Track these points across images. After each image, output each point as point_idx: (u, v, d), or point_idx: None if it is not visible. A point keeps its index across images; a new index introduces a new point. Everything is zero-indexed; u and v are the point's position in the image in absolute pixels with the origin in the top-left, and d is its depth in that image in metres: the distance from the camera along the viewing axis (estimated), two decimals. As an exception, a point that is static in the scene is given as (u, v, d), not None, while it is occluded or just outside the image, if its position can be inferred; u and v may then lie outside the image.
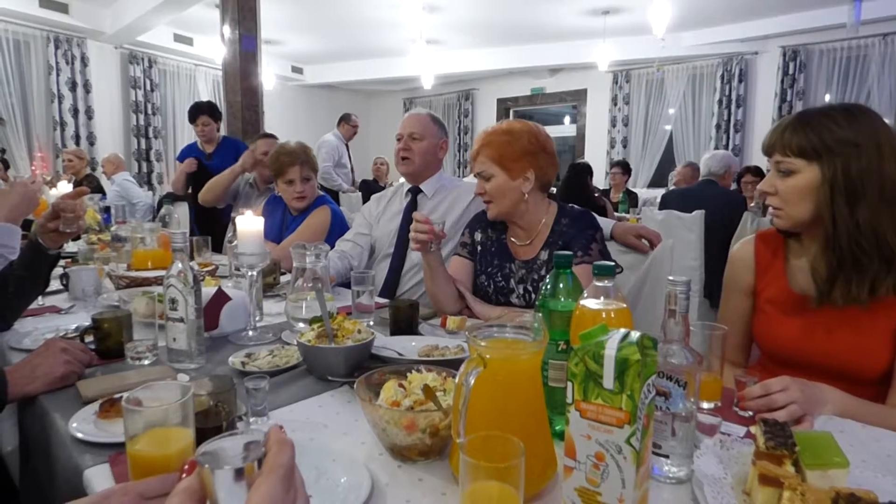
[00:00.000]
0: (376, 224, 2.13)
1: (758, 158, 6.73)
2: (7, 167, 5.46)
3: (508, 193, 1.55)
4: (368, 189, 5.95)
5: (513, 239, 1.65)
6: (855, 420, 0.94)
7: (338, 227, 2.41)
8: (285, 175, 2.40)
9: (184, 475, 0.45)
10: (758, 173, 4.88)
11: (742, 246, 1.31)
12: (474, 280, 1.70)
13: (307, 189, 2.42)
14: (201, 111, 3.83)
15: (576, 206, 1.64)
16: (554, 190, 2.85)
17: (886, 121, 1.11)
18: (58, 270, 1.62)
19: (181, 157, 4.03)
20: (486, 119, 9.15)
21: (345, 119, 6.07)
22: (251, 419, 0.90)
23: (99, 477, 0.76)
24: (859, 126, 1.07)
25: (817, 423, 0.92)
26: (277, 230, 2.52)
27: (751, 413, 0.95)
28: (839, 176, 1.06)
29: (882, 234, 1.05)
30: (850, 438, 0.87)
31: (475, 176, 1.61)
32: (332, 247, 2.09)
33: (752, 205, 4.26)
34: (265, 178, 3.02)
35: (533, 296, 1.56)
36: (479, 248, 1.70)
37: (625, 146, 7.88)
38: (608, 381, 0.61)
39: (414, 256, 1.95)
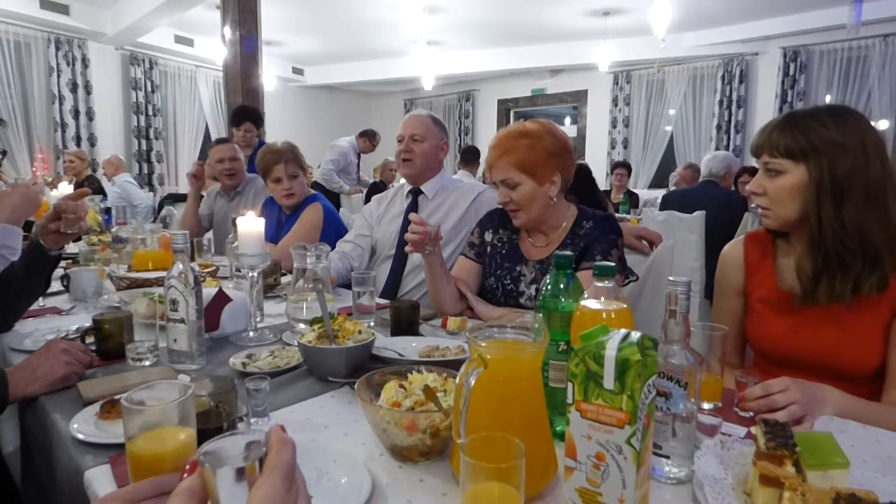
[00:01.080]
0: (377, 225, 2.13)
1: (758, 159, 6.72)
2: None
3: (537, 200, 1.50)
4: (377, 191, 5.95)
5: (529, 240, 1.61)
6: (855, 420, 0.94)
7: (331, 224, 2.42)
8: (272, 173, 2.42)
9: (185, 475, 0.45)
10: (755, 173, 4.86)
11: (732, 247, 1.33)
12: (483, 282, 1.67)
13: (295, 186, 2.43)
14: (247, 117, 3.81)
15: (598, 210, 1.59)
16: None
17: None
18: (59, 272, 1.62)
19: None
20: (486, 120, 9.16)
21: (368, 135, 6.03)
22: (252, 420, 0.90)
23: (100, 478, 0.76)
24: (845, 127, 1.08)
25: (818, 423, 0.92)
26: (274, 231, 2.53)
27: (751, 414, 0.95)
28: (825, 176, 1.08)
29: (866, 234, 1.07)
30: (850, 439, 0.87)
31: (498, 184, 1.53)
32: (328, 243, 2.09)
33: (753, 205, 4.26)
34: (228, 186, 3.01)
35: None
36: (488, 248, 1.67)
37: (625, 147, 7.88)
38: (608, 381, 0.61)
39: (415, 258, 1.94)
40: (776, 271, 1.23)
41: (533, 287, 1.56)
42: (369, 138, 6.02)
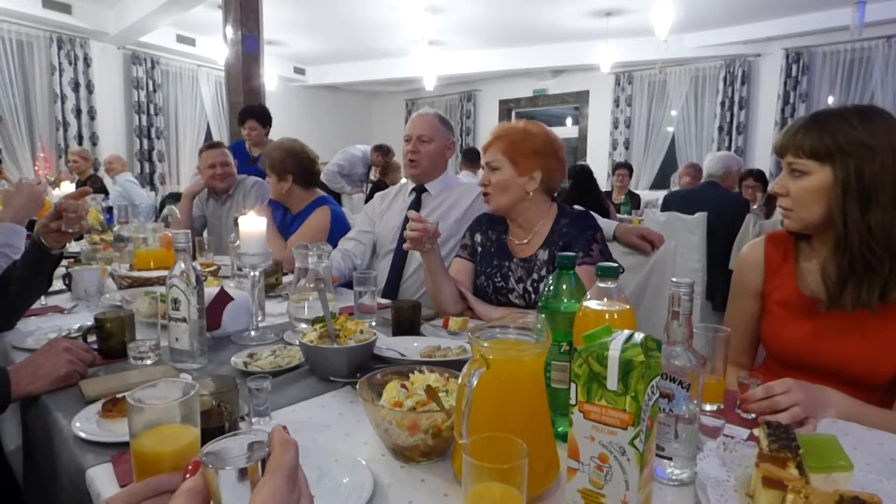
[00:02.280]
0: (379, 220, 2.13)
1: (760, 161, 6.72)
2: None
3: (511, 189, 1.55)
4: (379, 191, 5.95)
5: (512, 238, 1.65)
6: (858, 423, 0.94)
7: (338, 227, 2.41)
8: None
9: (187, 475, 0.45)
10: (760, 177, 4.83)
11: (751, 247, 1.30)
12: (474, 281, 1.70)
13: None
14: (250, 115, 3.78)
15: (576, 207, 1.64)
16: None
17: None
18: (61, 270, 1.63)
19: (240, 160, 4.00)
20: (488, 120, 9.15)
21: (382, 150, 6.02)
22: (253, 419, 0.90)
23: (101, 476, 0.76)
24: (874, 128, 1.05)
25: (821, 425, 0.91)
26: (279, 230, 2.52)
27: (754, 415, 0.95)
28: (852, 178, 1.04)
29: (894, 239, 1.04)
30: (853, 441, 0.87)
31: (484, 167, 1.61)
32: (334, 247, 2.09)
33: (755, 207, 4.25)
34: (220, 189, 3.00)
35: (532, 296, 1.56)
36: (479, 249, 1.70)
37: (627, 148, 7.88)
38: (612, 382, 0.61)
39: (416, 253, 1.95)
40: (797, 274, 1.20)
41: (521, 285, 1.59)
42: (383, 154, 6.04)
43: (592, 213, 1.67)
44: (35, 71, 6.31)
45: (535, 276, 1.56)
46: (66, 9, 6.15)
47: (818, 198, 1.09)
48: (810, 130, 1.08)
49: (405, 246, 1.52)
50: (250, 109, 3.85)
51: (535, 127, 1.59)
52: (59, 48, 6.34)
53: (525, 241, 1.62)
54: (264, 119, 3.82)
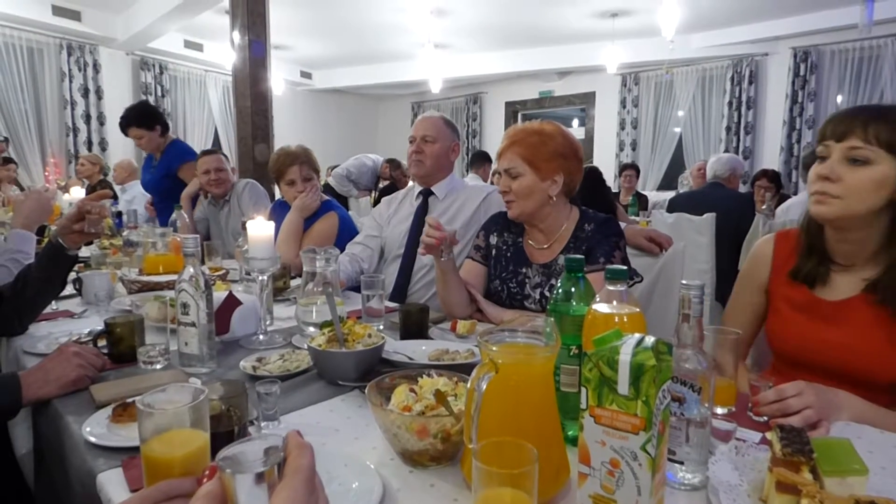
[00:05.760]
0: (387, 225, 2.13)
1: (769, 161, 6.67)
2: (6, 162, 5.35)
3: (535, 194, 1.52)
4: (388, 194, 6.01)
5: (531, 242, 1.62)
6: (872, 426, 0.92)
7: (346, 233, 2.41)
8: (286, 176, 2.41)
9: (205, 480, 0.46)
10: (774, 178, 4.76)
11: (763, 242, 1.31)
12: (488, 285, 1.67)
13: (309, 189, 2.42)
14: (129, 123, 3.30)
15: (599, 213, 1.60)
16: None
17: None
18: (71, 275, 1.64)
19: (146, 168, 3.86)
20: (494, 123, 9.16)
21: (393, 164, 6.06)
22: (262, 423, 0.90)
23: (112, 481, 0.77)
24: None
25: (835, 429, 0.90)
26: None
27: (766, 418, 0.94)
28: None
29: None
30: (867, 445, 0.86)
31: (502, 173, 1.56)
32: (341, 252, 2.09)
33: (764, 207, 4.23)
34: (216, 194, 3.02)
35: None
36: (493, 251, 1.68)
37: (634, 149, 7.84)
38: (623, 386, 0.60)
39: (424, 258, 1.95)
40: None
41: (538, 291, 1.56)
42: (393, 168, 6.08)
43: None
44: (45, 77, 6.37)
45: (553, 281, 1.54)
46: (76, 16, 6.22)
47: (878, 188, 1.04)
48: (880, 120, 1.04)
49: (420, 251, 1.51)
50: (126, 118, 3.33)
51: (550, 127, 1.54)
52: (69, 55, 6.40)
53: (545, 245, 1.58)
54: (148, 121, 3.32)
